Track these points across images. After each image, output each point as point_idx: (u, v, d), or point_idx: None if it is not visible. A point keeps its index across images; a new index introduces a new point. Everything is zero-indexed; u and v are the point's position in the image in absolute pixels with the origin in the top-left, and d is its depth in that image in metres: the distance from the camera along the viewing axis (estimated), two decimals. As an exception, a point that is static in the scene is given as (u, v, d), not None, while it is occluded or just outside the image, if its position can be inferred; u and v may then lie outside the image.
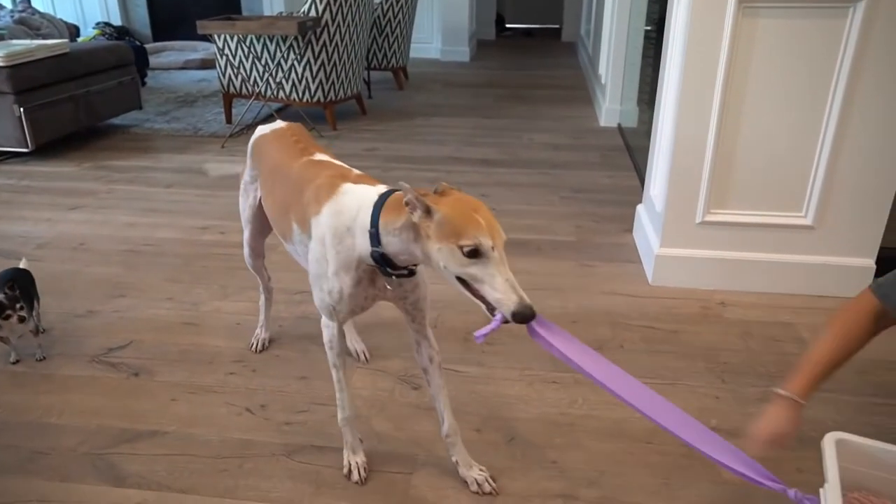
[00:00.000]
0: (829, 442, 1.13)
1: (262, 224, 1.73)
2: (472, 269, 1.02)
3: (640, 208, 2.61)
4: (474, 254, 1.00)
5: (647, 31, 4.12)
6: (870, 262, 2.12)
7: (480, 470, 1.41)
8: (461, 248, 1.01)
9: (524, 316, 0.99)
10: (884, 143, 1.98)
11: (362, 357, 1.85)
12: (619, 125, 4.34)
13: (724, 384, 1.76)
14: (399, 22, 5.33)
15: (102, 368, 1.82)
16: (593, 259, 2.47)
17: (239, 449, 1.51)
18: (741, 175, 2.09)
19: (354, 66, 4.31)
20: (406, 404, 1.67)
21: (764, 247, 2.16)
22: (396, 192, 1.13)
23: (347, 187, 1.22)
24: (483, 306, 1.05)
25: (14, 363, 1.84)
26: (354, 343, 1.88)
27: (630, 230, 2.70)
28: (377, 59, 5.44)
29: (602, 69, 4.65)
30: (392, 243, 1.12)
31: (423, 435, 1.55)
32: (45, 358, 1.86)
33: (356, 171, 1.33)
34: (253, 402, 1.68)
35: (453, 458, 1.41)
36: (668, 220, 2.19)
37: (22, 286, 1.85)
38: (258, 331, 1.93)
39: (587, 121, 4.58)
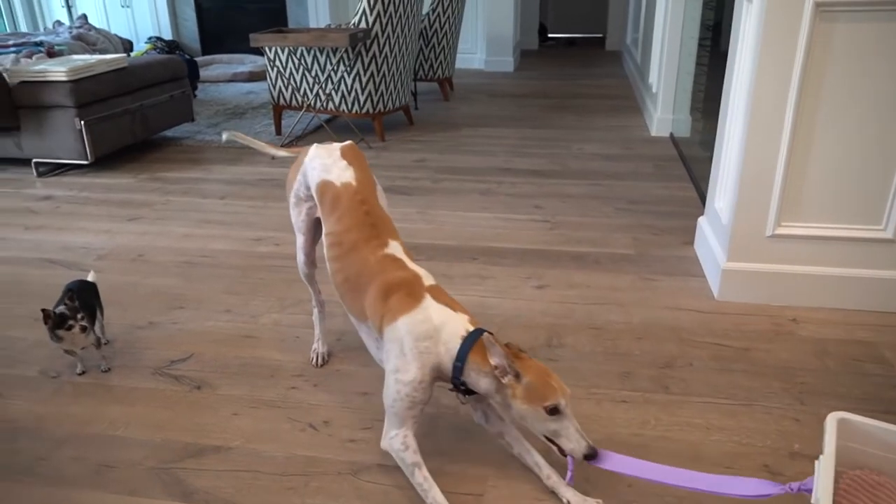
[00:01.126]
0: (832, 420, 1.19)
1: (316, 233, 1.75)
2: (552, 426, 1.26)
3: (702, 220, 2.53)
4: (554, 411, 1.24)
5: (700, 39, 4.03)
6: (954, 278, 2.02)
7: (597, 503, 1.36)
8: (546, 408, 1.24)
9: (593, 457, 1.26)
10: (971, 153, 1.88)
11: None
12: (672, 135, 4.25)
13: (804, 406, 1.67)
14: (446, 33, 5.33)
15: (165, 381, 1.82)
16: (654, 273, 2.40)
17: (304, 466, 1.49)
18: (815, 186, 2.00)
19: (403, 77, 4.32)
20: (473, 421, 1.63)
21: (839, 261, 2.06)
22: (483, 335, 1.28)
23: (429, 302, 1.37)
24: (555, 447, 1.29)
25: (80, 374, 1.86)
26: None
27: (691, 243, 2.62)
28: (423, 70, 5.45)
29: (653, 78, 4.57)
30: (476, 381, 1.31)
31: (492, 454, 1.51)
32: (109, 369, 1.88)
33: (428, 279, 1.44)
34: (316, 417, 1.66)
35: (565, 500, 1.37)
36: (735, 233, 2.11)
37: (84, 298, 1.87)
38: (316, 345, 1.91)
39: (637, 130, 4.50)
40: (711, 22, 3.80)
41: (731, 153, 2.20)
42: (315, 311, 1.91)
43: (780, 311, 2.11)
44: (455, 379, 1.32)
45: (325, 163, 1.63)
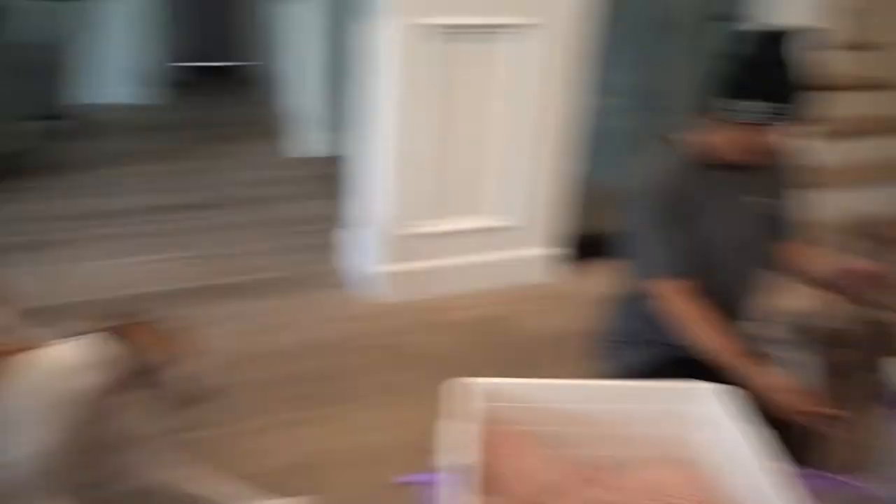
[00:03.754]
0: (453, 387, 1.13)
1: None
2: None
3: (347, 232, 2.62)
4: None
5: (331, 62, 4.23)
6: (558, 251, 2.46)
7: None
8: None
9: None
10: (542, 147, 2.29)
11: None
12: (313, 155, 4.37)
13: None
14: (56, 63, 4.72)
15: None
16: (309, 289, 2.43)
17: None
18: (440, 186, 2.25)
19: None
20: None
21: (470, 250, 2.35)
22: None
23: None
24: None
25: None
26: None
27: (340, 256, 2.69)
28: (35, 106, 4.75)
29: (290, 101, 4.68)
30: None
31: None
32: None
33: None
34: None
35: None
36: (378, 240, 2.27)
37: None
38: None
39: (281, 154, 4.53)
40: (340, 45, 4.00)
41: (365, 167, 2.34)
42: None
43: (427, 303, 2.31)
44: None
45: None
